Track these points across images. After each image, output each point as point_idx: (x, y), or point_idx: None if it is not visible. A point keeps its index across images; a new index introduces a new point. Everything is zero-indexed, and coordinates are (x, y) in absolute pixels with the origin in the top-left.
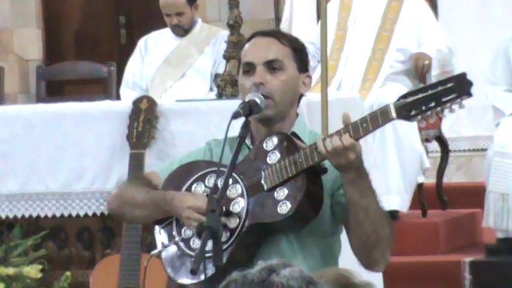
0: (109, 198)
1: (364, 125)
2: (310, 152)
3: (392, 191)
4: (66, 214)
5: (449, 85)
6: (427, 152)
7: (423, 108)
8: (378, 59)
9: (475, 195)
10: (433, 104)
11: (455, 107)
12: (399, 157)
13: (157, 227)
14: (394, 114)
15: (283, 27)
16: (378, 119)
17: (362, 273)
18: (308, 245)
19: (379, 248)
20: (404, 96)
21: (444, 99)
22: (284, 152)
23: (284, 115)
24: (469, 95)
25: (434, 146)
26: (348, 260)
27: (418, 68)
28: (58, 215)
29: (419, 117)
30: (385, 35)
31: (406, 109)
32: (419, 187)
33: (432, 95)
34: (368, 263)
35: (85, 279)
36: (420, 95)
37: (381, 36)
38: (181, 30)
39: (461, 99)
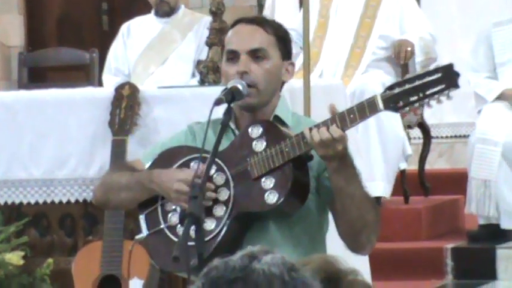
0: (94, 189)
1: (351, 115)
2: (297, 141)
3: (375, 178)
4: (48, 201)
5: (436, 76)
6: (409, 138)
7: (410, 99)
8: (361, 46)
9: (457, 181)
10: (420, 95)
11: (442, 98)
12: (382, 144)
13: (142, 213)
14: (381, 106)
15: (266, 13)
16: (365, 110)
17: (349, 258)
18: (297, 229)
19: (365, 232)
20: (391, 87)
21: (431, 91)
22: (270, 140)
23: (267, 102)
24: (457, 86)
25: (416, 132)
26: (335, 241)
27: (401, 55)
28: (40, 201)
29: (406, 108)
30: (368, 22)
31: (393, 100)
32: (402, 173)
33: (419, 86)
34: (355, 247)
35: (67, 266)
36: (407, 86)
37: (364, 23)
38: (167, 6)
39: (449, 90)
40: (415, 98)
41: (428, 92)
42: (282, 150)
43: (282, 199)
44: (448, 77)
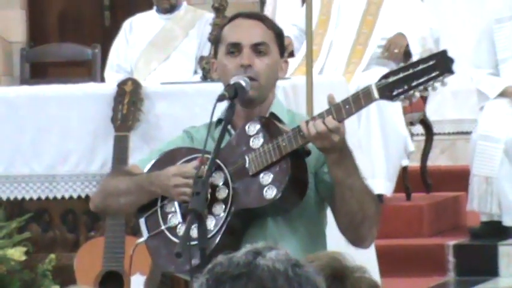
0: (92, 196)
1: (347, 106)
2: (294, 135)
3: (377, 175)
4: (50, 196)
5: (430, 63)
6: (412, 135)
7: (405, 87)
8: (362, 43)
9: (459, 178)
10: (415, 82)
11: (437, 84)
12: (384, 141)
13: (141, 217)
14: (376, 95)
15: (268, 9)
16: (360, 100)
17: (356, 255)
18: (296, 226)
19: (365, 225)
20: (386, 76)
21: (426, 78)
22: (267, 136)
23: (265, 98)
24: (451, 72)
25: (418, 129)
26: (335, 236)
27: (391, 54)
28: (43, 197)
29: (401, 96)
30: (370, 20)
31: (388, 89)
32: (404, 170)
33: (414, 73)
34: (355, 240)
35: (69, 262)
36: (402, 74)
37: (366, 21)
38: (167, 3)
39: (444, 76)
40: (409, 85)
41: (422, 79)
42: (279, 144)
43: (280, 194)
44: (442, 63)
